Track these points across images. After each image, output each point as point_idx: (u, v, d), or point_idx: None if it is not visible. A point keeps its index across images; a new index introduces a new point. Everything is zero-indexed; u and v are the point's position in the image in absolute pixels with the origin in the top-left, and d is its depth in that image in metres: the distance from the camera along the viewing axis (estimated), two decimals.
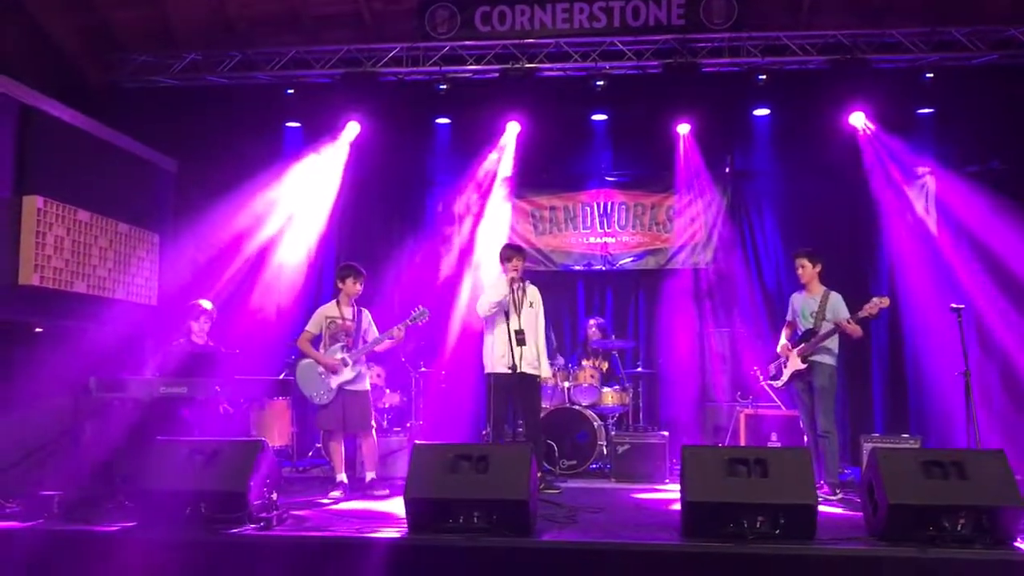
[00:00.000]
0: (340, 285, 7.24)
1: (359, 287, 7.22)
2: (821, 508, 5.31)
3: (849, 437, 8.63)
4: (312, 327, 7.16)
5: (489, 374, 7.23)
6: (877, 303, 6.89)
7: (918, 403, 8.99)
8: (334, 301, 7.29)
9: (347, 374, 6.99)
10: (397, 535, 5.29)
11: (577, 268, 9.98)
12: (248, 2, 9.48)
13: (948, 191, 9.40)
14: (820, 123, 9.34)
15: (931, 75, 8.94)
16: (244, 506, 5.35)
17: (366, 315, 7.29)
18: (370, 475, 7.10)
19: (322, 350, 7.07)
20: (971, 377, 6.93)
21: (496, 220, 9.99)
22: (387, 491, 6.99)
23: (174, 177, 8.91)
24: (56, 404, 7.65)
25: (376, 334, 7.21)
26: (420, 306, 7.25)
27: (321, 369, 7.01)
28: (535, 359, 7.25)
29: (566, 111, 9.63)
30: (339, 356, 7.01)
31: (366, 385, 7.19)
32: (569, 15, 9.29)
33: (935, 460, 5.20)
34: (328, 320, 7.14)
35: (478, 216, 10.06)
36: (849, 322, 6.92)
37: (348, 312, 7.18)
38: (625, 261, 9.84)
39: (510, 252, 7.34)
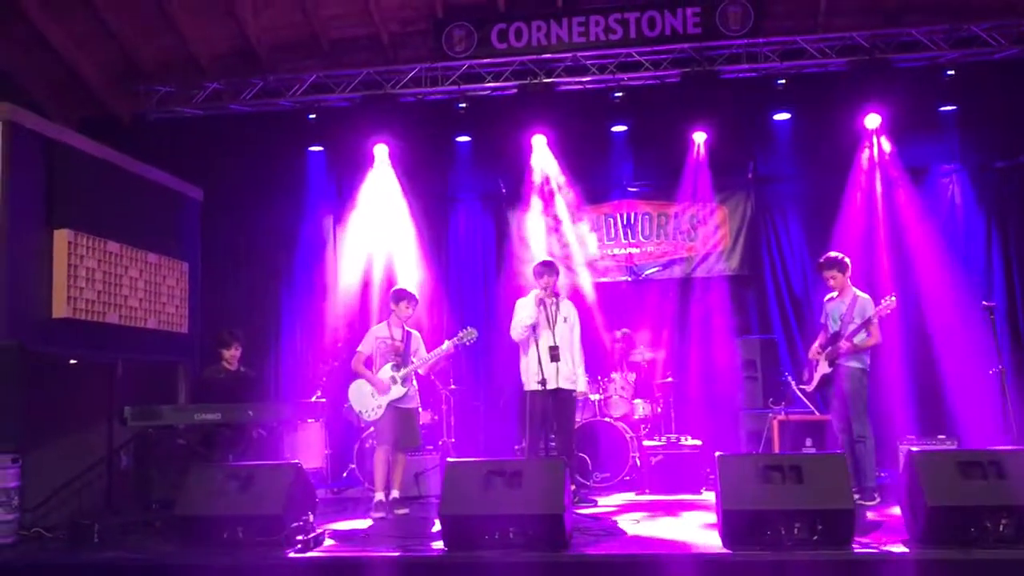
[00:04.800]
0: (393, 307, 7.42)
1: (411, 311, 7.43)
2: (859, 513, 5.27)
3: (884, 440, 8.53)
4: (364, 347, 7.34)
5: (526, 391, 7.24)
6: (885, 304, 6.86)
7: (951, 403, 8.87)
8: (385, 322, 7.47)
9: (396, 392, 7.13)
10: (434, 553, 5.30)
11: (603, 280, 9.94)
12: (267, 28, 9.61)
13: (975, 188, 9.32)
14: (842, 125, 9.29)
15: (952, 72, 8.88)
16: (281, 529, 5.39)
17: (415, 337, 7.46)
18: (395, 493, 7.15)
19: (374, 370, 7.22)
20: (1006, 375, 6.85)
21: (523, 234, 10.00)
22: (407, 510, 7.09)
23: (201, 205, 9.00)
24: (92, 434, 7.75)
25: (425, 355, 7.33)
26: (469, 327, 7.38)
27: (371, 388, 7.13)
28: (571, 374, 7.25)
29: (586, 124, 9.62)
30: (389, 374, 7.14)
31: (415, 403, 7.35)
32: (585, 28, 9.32)
33: (973, 460, 5.15)
34: (379, 340, 7.31)
35: (504, 231, 10.09)
36: (848, 340, 6.90)
37: (398, 333, 7.34)
38: (651, 271, 9.79)
39: (541, 268, 7.36)
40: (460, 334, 7.32)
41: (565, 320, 7.31)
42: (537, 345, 7.03)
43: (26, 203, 6.73)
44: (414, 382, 7.33)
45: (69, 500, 7.39)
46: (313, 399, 8.60)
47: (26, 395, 6.15)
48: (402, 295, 7.43)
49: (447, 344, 7.27)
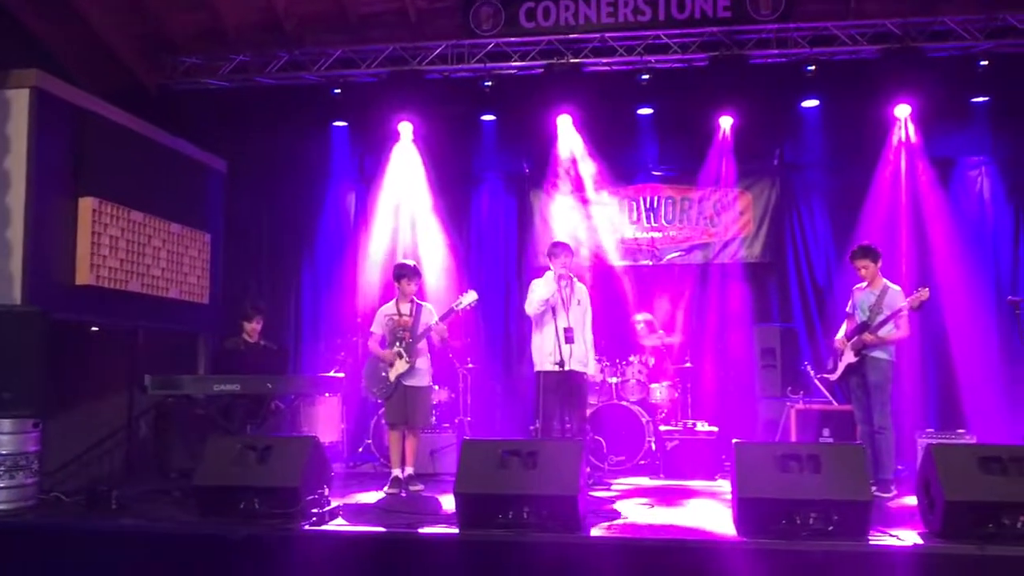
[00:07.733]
0: (396, 284, 7.36)
1: (414, 287, 7.40)
2: (875, 505, 5.24)
3: (902, 433, 8.47)
4: (376, 328, 7.39)
5: (538, 372, 7.23)
6: (917, 296, 6.81)
7: (969, 398, 8.79)
8: (393, 300, 7.45)
9: (401, 366, 7.13)
10: (447, 531, 5.32)
11: (625, 263, 9.90)
12: (295, 1, 9.56)
13: (1004, 181, 9.20)
14: (871, 113, 9.16)
15: (986, 62, 8.73)
16: (297, 502, 5.42)
17: (425, 309, 7.41)
18: (408, 470, 7.18)
19: (386, 348, 7.25)
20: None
21: (545, 215, 9.96)
22: (422, 486, 7.13)
23: (224, 177, 9.02)
24: (112, 401, 7.83)
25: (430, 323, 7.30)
26: (469, 290, 7.38)
27: (381, 364, 7.15)
28: (584, 356, 7.26)
29: (611, 106, 9.52)
30: (395, 349, 7.13)
31: (425, 381, 7.32)
32: (614, 9, 9.22)
33: (993, 455, 5.11)
34: (387, 318, 7.31)
35: (527, 211, 10.05)
36: (872, 334, 6.86)
37: (406, 308, 7.32)
38: (673, 256, 9.73)
39: (558, 249, 7.35)
40: (459, 299, 7.28)
41: (579, 303, 7.32)
42: (556, 324, 7.02)
43: (52, 170, 6.76)
44: (426, 359, 7.31)
45: (89, 466, 7.48)
46: (331, 374, 8.63)
47: (48, 361, 6.21)
48: (403, 271, 7.39)
49: (446, 314, 7.26)
